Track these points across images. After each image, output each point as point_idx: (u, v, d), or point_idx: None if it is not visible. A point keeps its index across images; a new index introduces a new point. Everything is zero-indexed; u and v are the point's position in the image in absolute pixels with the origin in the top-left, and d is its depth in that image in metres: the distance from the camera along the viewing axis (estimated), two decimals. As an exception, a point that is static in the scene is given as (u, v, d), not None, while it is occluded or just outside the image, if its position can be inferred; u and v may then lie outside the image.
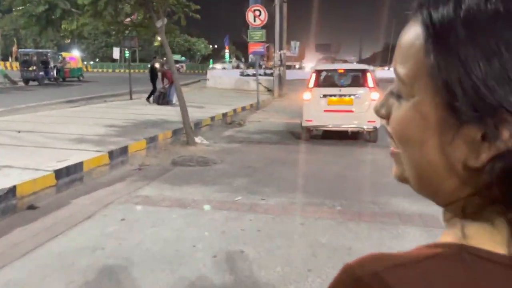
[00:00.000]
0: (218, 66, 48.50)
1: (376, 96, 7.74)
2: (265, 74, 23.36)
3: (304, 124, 8.20)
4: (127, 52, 19.91)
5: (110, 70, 48.83)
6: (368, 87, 7.98)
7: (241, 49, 66.88)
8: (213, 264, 3.23)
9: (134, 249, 3.47)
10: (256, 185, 5.26)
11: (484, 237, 0.40)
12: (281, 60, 20.07)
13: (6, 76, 22.94)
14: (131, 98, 15.29)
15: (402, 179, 0.48)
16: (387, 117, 0.47)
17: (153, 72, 14.69)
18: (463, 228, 0.41)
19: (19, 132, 7.82)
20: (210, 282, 3.01)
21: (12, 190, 4.39)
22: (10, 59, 40.32)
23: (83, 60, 37.44)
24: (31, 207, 4.43)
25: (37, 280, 2.98)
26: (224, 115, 12.12)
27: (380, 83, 8.85)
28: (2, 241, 3.66)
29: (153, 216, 4.27)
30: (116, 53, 20.14)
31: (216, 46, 75.82)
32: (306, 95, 8.20)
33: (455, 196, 0.42)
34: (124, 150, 6.80)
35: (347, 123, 7.93)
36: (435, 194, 0.44)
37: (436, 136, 0.41)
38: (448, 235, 0.43)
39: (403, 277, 0.39)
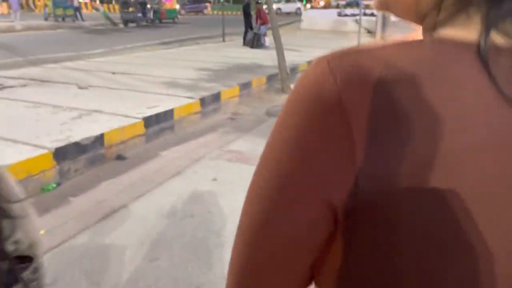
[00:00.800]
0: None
1: None
2: (365, 15, 21.27)
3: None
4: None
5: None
6: None
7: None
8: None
9: (226, 220, 2.93)
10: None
11: (455, 34, 0.38)
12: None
13: (107, 17, 23.74)
14: (223, 40, 14.79)
15: (381, 5, 0.47)
16: None
17: (247, 12, 13.87)
18: (436, 30, 0.40)
19: (113, 73, 7.70)
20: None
21: (100, 138, 4.08)
22: (113, 1, 41.95)
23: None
24: (120, 157, 4.12)
25: (118, 251, 2.59)
26: (321, 59, 11.06)
27: None
28: (88, 196, 3.36)
29: (247, 176, 3.65)
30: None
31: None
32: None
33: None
34: (216, 97, 6.29)
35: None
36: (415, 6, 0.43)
37: None
38: None
39: (369, 56, 0.37)
